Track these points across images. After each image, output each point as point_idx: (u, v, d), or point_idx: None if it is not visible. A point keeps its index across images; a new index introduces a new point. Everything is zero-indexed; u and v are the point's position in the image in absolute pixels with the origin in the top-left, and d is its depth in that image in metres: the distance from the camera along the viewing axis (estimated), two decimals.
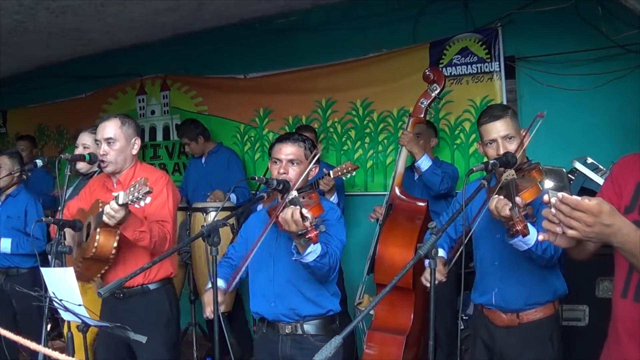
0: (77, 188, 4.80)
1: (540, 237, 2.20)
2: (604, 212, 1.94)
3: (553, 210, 2.03)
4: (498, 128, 3.39)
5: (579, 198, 1.95)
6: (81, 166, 4.80)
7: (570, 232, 2.01)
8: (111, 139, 4.04)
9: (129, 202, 3.37)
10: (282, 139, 3.62)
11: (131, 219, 3.62)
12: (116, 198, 3.43)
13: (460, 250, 3.24)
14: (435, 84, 4.84)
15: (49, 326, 3.89)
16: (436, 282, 3.31)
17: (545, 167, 2.91)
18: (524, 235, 2.92)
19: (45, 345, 3.59)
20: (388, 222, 4.75)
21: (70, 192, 4.72)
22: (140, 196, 3.31)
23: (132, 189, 3.36)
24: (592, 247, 2.45)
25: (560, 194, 2.00)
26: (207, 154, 6.84)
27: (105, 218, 3.52)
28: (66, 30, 6.70)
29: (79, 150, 4.75)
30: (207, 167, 6.82)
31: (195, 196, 6.69)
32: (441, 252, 3.66)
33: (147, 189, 3.30)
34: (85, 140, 4.77)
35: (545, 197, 2.06)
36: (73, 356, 3.53)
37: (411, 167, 5.38)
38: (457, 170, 5.52)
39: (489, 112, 3.50)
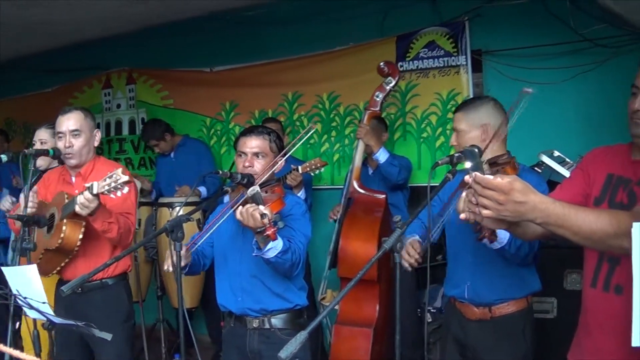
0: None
1: (463, 216, 2.19)
2: (515, 190, 1.93)
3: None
4: (456, 118, 3.45)
5: (490, 177, 1.96)
6: (41, 163, 4.62)
7: (484, 211, 2.00)
8: (76, 130, 3.99)
9: (105, 192, 3.33)
10: (247, 132, 3.60)
11: (101, 210, 3.59)
12: (89, 188, 3.40)
13: (426, 245, 3.22)
14: (390, 77, 4.89)
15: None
16: (413, 260, 3.29)
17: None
18: (491, 241, 2.93)
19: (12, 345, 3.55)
20: (348, 216, 4.77)
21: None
22: (119, 185, 3.28)
23: (108, 179, 3.32)
24: (539, 228, 2.25)
25: (473, 174, 2.00)
26: (175, 148, 6.75)
27: (77, 208, 3.47)
28: (34, 23, 6.60)
29: (36, 147, 4.64)
30: (176, 161, 6.73)
31: (169, 192, 6.60)
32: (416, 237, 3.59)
33: (126, 178, 3.27)
34: (42, 135, 4.70)
35: (466, 178, 2.06)
36: (39, 355, 3.49)
37: (364, 163, 5.39)
38: (410, 161, 5.58)
39: (462, 102, 3.60)
